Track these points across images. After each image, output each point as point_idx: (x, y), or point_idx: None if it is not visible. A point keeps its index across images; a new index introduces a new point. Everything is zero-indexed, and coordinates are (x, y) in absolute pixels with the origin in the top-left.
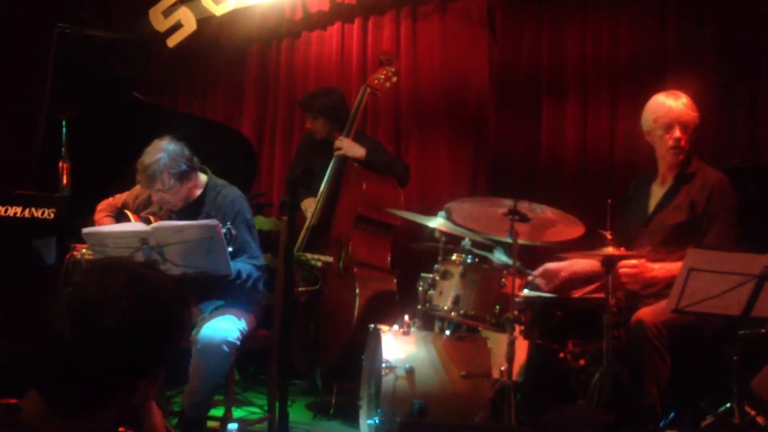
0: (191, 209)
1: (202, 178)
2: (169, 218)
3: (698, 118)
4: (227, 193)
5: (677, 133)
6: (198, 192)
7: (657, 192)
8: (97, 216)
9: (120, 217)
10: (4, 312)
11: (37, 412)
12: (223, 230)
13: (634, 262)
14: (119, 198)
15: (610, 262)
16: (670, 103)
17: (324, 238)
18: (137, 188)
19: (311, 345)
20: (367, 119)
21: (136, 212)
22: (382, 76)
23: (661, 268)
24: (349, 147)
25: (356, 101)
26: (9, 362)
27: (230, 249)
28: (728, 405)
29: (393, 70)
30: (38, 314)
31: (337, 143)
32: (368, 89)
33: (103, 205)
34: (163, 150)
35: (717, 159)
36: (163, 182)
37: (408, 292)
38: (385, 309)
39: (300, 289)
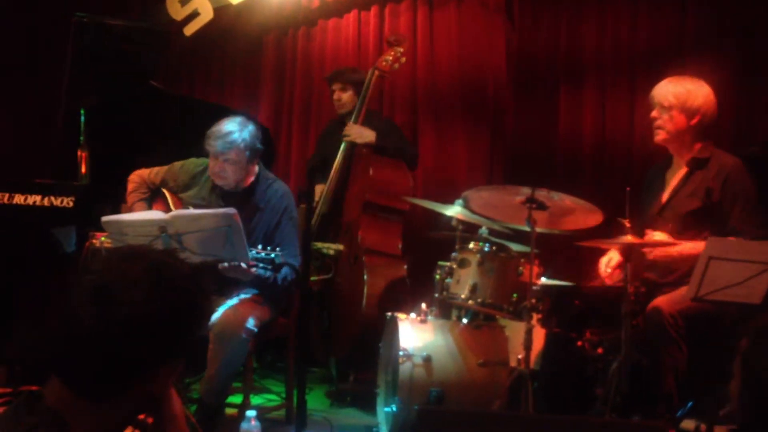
0: (241, 198)
1: (255, 167)
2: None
3: (681, 104)
4: (278, 187)
5: (654, 112)
6: (251, 180)
7: (671, 179)
8: (130, 198)
9: (156, 195)
10: (24, 299)
11: (58, 398)
12: (273, 255)
13: (659, 233)
14: (156, 174)
15: (629, 251)
16: (659, 85)
17: (335, 226)
18: (176, 166)
19: (325, 334)
20: (383, 107)
21: (174, 192)
22: (390, 58)
23: (685, 245)
24: (358, 133)
25: (364, 85)
26: (30, 350)
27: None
28: None
29: (401, 50)
30: (58, 302)
31: (346, 130)
32: (376, 72)
33: (137, 182)
34: (244, 125)
35: (736, 145)
36: (238, 154)
37: (425, 281)
38: (397, 295)
39: (313, 278)
